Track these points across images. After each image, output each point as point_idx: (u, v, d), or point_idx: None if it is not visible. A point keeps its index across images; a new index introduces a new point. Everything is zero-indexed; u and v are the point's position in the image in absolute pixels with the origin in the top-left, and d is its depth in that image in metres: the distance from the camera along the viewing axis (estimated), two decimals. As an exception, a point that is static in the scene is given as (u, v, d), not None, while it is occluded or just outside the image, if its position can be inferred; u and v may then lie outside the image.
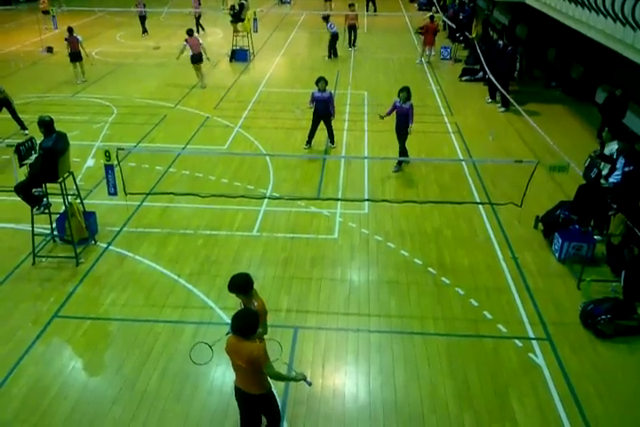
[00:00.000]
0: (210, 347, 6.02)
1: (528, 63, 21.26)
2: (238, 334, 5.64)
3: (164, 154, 14.21)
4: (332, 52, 24.88)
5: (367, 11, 34.96)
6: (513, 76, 18.51)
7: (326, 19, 25.26)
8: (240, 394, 6.11)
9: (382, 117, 13.71)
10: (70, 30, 19.78)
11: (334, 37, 24.47)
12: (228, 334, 5.92)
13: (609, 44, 12.65)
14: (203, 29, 29.00)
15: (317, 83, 14.20)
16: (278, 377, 5.99)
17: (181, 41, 20.08)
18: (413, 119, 13.31)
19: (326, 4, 34.61)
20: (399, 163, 13.80)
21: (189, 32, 19.83)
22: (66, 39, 19.65)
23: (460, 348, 8.23)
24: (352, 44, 26.69)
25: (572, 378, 7.70)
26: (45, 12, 28.28)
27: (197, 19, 28.76)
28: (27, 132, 15.01)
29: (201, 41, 19.95)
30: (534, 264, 10.19)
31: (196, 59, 19.93)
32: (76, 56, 19.84)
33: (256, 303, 6.24)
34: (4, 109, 15.13)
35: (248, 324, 5.61)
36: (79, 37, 19.70)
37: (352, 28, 26.28)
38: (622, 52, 12.03)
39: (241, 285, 6.22)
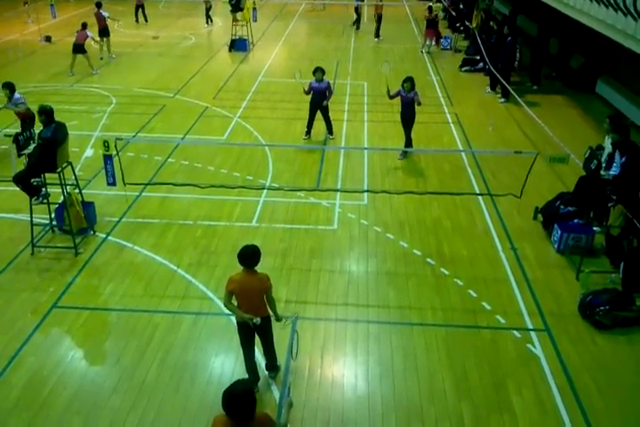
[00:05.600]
0: None
1: (533, 61, 20.49)
2: (240, 419, 4.66)
3: (163, 144, 14.17)
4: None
5: None
6: (513, 66, 18.42)
7: None
8: None
9: (389, 93, 13.54)
10: (84, 26, 19.80)
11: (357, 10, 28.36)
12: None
13: (610, 34, 12.59)
14: (211, 21, 28.54)
15: (314, 73, 14.12)
16: None
17: (181, 31, 20.04)
18: (420, 102, 13.40)
19: None
20: (404, 152, 13.78)
21: (98, 4, 21.45)
22: (77, 31, 19.84)
23: (459, 339, 8.24)
24: (377, 34, 26.64)
25: (570, 369, 7.72)
26: (26, 3, 27.79)
27: (207, 10, 28.23)
28: None
29: (106, 14, 21.68)
30: (533, 255, 10.19)
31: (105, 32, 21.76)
32: (78, 48, 19.65)
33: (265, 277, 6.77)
34: None
35: (251, 407, 4.68)
36: (89, 34, 19.71)
37: (380, 17, 26.35)
38: (623, 42, 11.97)
39: (255, 255, 6.63)
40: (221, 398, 4.61)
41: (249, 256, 6.63)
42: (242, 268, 6.70)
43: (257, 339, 7.15)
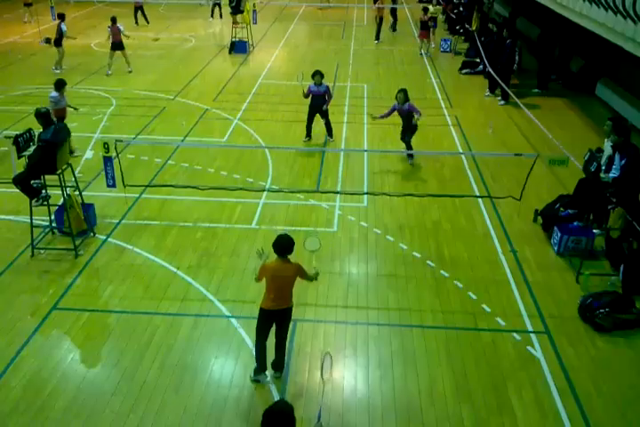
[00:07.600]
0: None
1: (540, 67, 19.97)
2: None
3: (163, 146, 14.17)
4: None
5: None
6: (512, 68, 18.44)
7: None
8: None
9: (374, 118, 13.63)
10: (113, 20, 20.09)
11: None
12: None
13: (609, 36, 12.60)
14: (220, 17, 29.15)
15: (313, 77, 14.10)
16: None
17: (181, 33, 20.05)
18: (420, 112, 13.20)
19: None
20: (410, 156, 13.69)
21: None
22: (109, 27, 20.13)
23: (459, 341, 8.24)
24: (377, 36, 26.66)
25: (570, 371, 7.72)
26: (28, 5, 27.73)
27: (214, 6, 28.80)
28: None
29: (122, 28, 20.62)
30: (533, 258, 10.19)
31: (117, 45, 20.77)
32: (117, 45, 20.22)
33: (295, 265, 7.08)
34: None
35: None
36: (121, 27, 20.12)
37: (381, 20, 26.56)
38: (623, 44, 11.98)
39: (289, 244, 6.93)
40: (262, 416, 4.67)
41: (284, 245, 6.96)
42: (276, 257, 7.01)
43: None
